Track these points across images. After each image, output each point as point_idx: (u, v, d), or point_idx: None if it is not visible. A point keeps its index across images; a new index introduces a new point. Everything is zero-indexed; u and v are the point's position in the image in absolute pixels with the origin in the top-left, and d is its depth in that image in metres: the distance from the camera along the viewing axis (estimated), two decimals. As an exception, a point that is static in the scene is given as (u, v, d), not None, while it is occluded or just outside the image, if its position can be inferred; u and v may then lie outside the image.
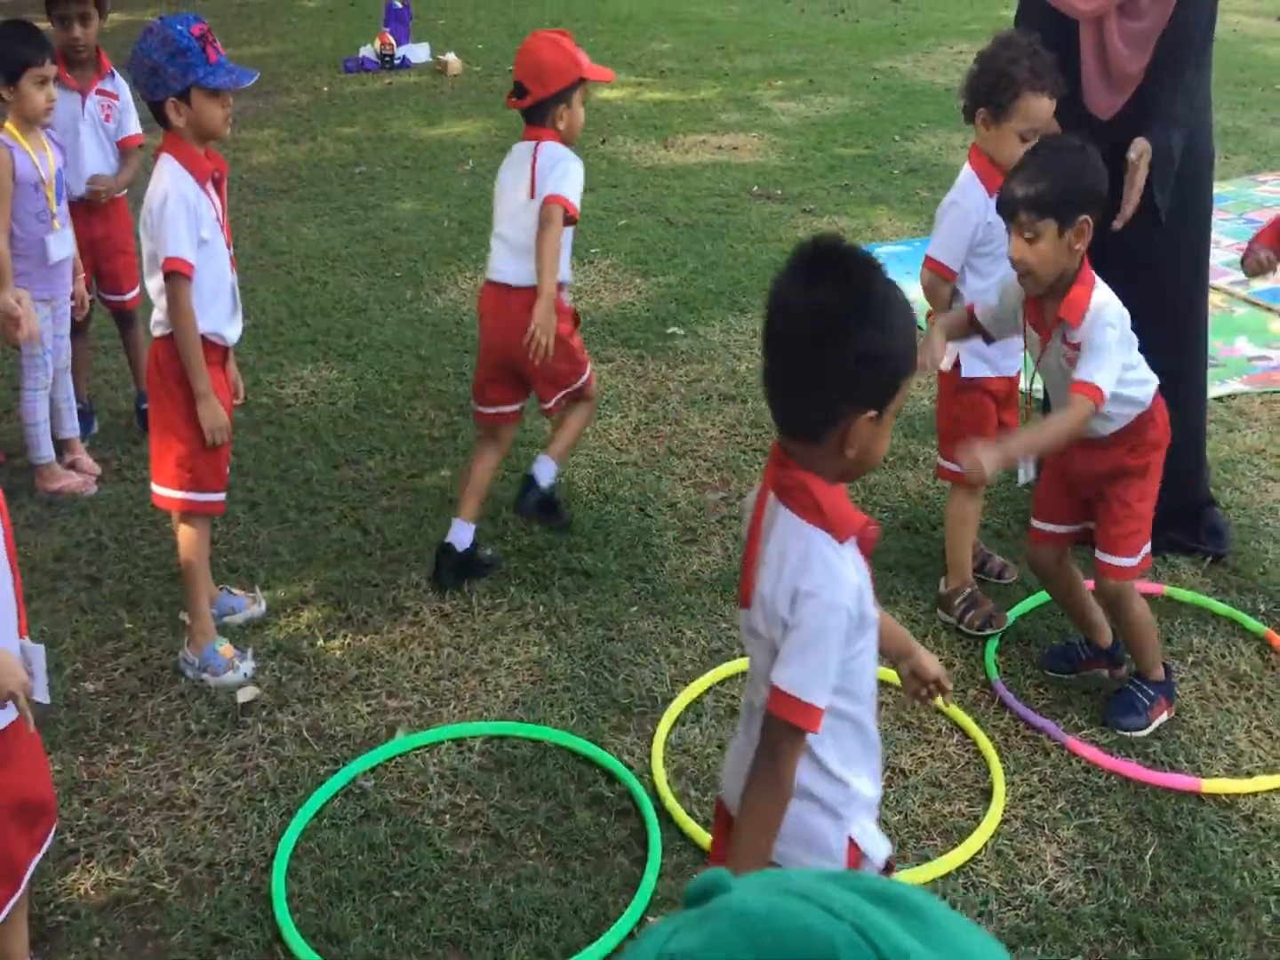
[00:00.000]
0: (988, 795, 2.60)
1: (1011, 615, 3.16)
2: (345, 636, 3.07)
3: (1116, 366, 2.56)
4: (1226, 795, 2.59)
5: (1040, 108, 2.91)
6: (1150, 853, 2.45)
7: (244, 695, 2.81)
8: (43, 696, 1.82)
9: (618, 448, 3.99)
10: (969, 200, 2.97)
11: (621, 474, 3.83)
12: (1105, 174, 2.58)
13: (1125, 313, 2.61)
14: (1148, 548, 2.76)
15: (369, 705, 2.81)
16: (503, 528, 3.55)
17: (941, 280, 3.03)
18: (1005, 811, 2.54)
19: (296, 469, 3.80)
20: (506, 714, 2.81)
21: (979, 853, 2.44)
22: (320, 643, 3.05)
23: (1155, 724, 2.78)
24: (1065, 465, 2.77)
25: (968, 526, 3.15)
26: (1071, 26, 3.16)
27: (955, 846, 2.45)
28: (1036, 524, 2.86)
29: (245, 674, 2.87)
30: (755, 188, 6.66)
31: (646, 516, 3.62)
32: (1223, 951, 2.23)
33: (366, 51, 9.37)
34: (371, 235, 5.90)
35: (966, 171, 3.03)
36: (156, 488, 2.87)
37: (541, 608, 3.19)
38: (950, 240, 2.99)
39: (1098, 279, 2.62)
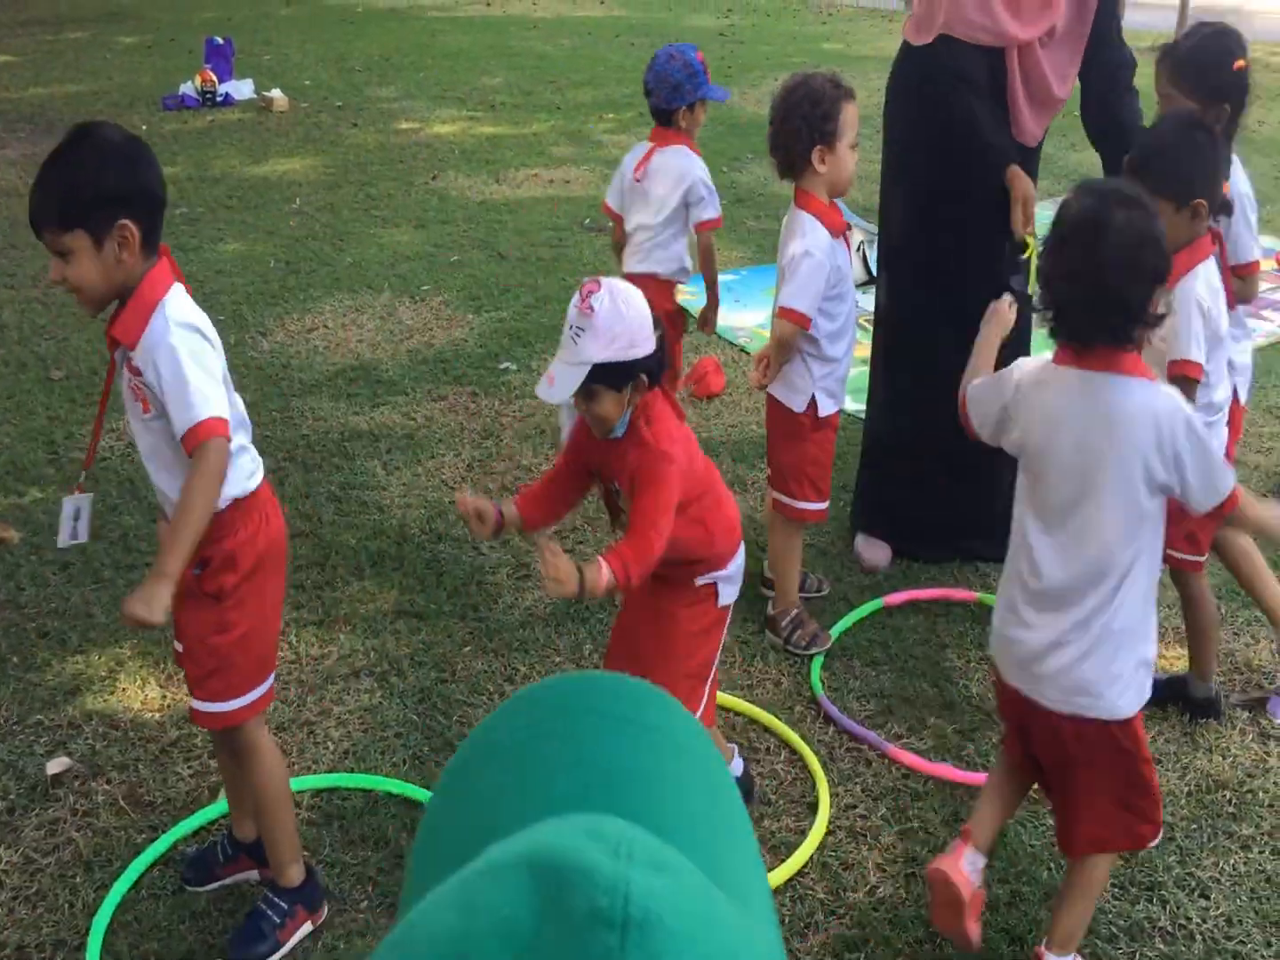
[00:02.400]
0: (814, 809, 2.68)
1: (834, 632, 3.26)
2: (165, 698, 2.98)
3: None
4: (1035, 792, 2.72)
5: (854, 112, 3.03)
6: (965, 852, 2.56)
7: (54, 767, 2.69)
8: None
9: (451, 486, 3.98)
10: (820, 248, 2.98)
11: (454, 512, 3.81)
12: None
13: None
14: None
15: (190, 768, 2.73)
16: (331, 573, 3.50)
17: (799, 330, 3.02)
18: (830, 823, 2.62)
19: (112, 525, 3.68)
20: (336, 765, 2.77)
21: (805, 866, 2.51)
22: (137, 706, 2.95)
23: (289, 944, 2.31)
24: None
25: (794, 555, 3.25)
26: (978, 67, 3.25)
27: (781, 861, 2.52)
28: None
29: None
30: (587, 221, 6.75)
31: (480, 554, 3.62)
32: (1032, 941, 2.35)
33: (187, 88, 9.14)
34: (192, 279, 5.72)
35: (805, 218, 3.00)
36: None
37: (373, 653, 3.15)
38: (807, 289, 2.97)
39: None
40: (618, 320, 2.11)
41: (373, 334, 5.20)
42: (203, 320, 2.08)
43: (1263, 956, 2.33)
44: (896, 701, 3.04)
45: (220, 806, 2.57)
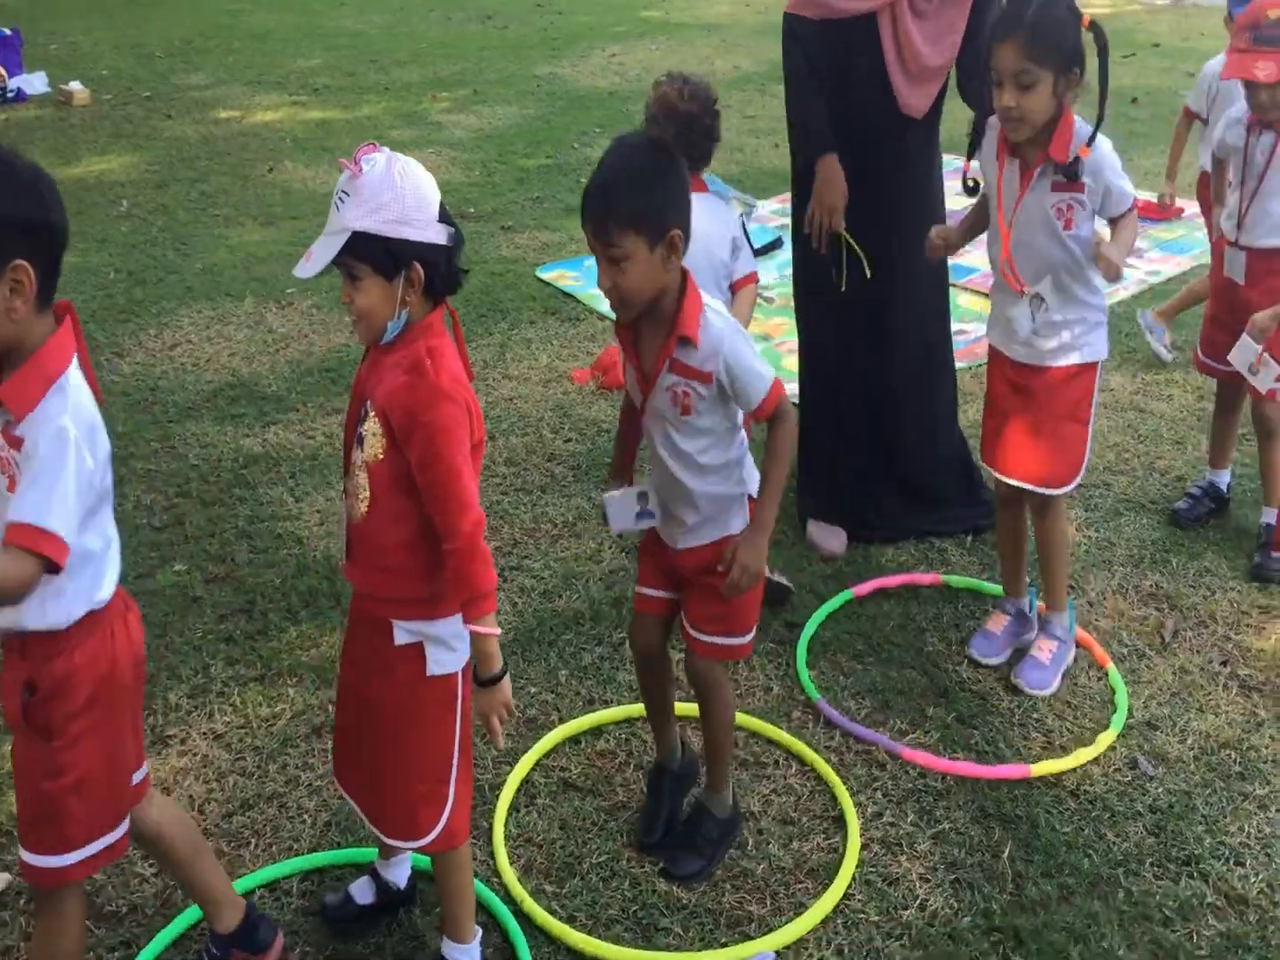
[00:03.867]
0: (839, 822, 2.55)
1: (809, 627, 3.15)
2: (104, 786, 2.61)
3: None
4: (1053, 775, 2.68)
5: None
6: (1003, 849, 2.48)
7: (-4, 886, 2.32)
8: None
9: (370, 509, 3.67)
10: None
11: (382, 538, 3.52)
12: None
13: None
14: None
15: (152, 866, 2.40)
16: (262, 620, 3.16)
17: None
18: (861, 836, 2.50)
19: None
20: (319, 841, 2.48)
21: (849, 888, 2.38)
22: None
23: None
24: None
25: None
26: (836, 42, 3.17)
27: (823, 885, 2.39)
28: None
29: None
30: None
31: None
32: (1095, 937, 2.29)
33: (-28, 85, 8.31)
34: (25, 297, 5.18)
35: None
36: None
37: (331, 705, 2.85)
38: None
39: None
40: (388, 187, 1.77)
41: (244, 346, 4.78)
42: (98, 422, 1.72)
43: (1312, 919, 2.34)
44: (891, 695, 2.94)
45: (194, 911, 2.26)
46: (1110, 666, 3.02)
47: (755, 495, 2.24)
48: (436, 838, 2.01)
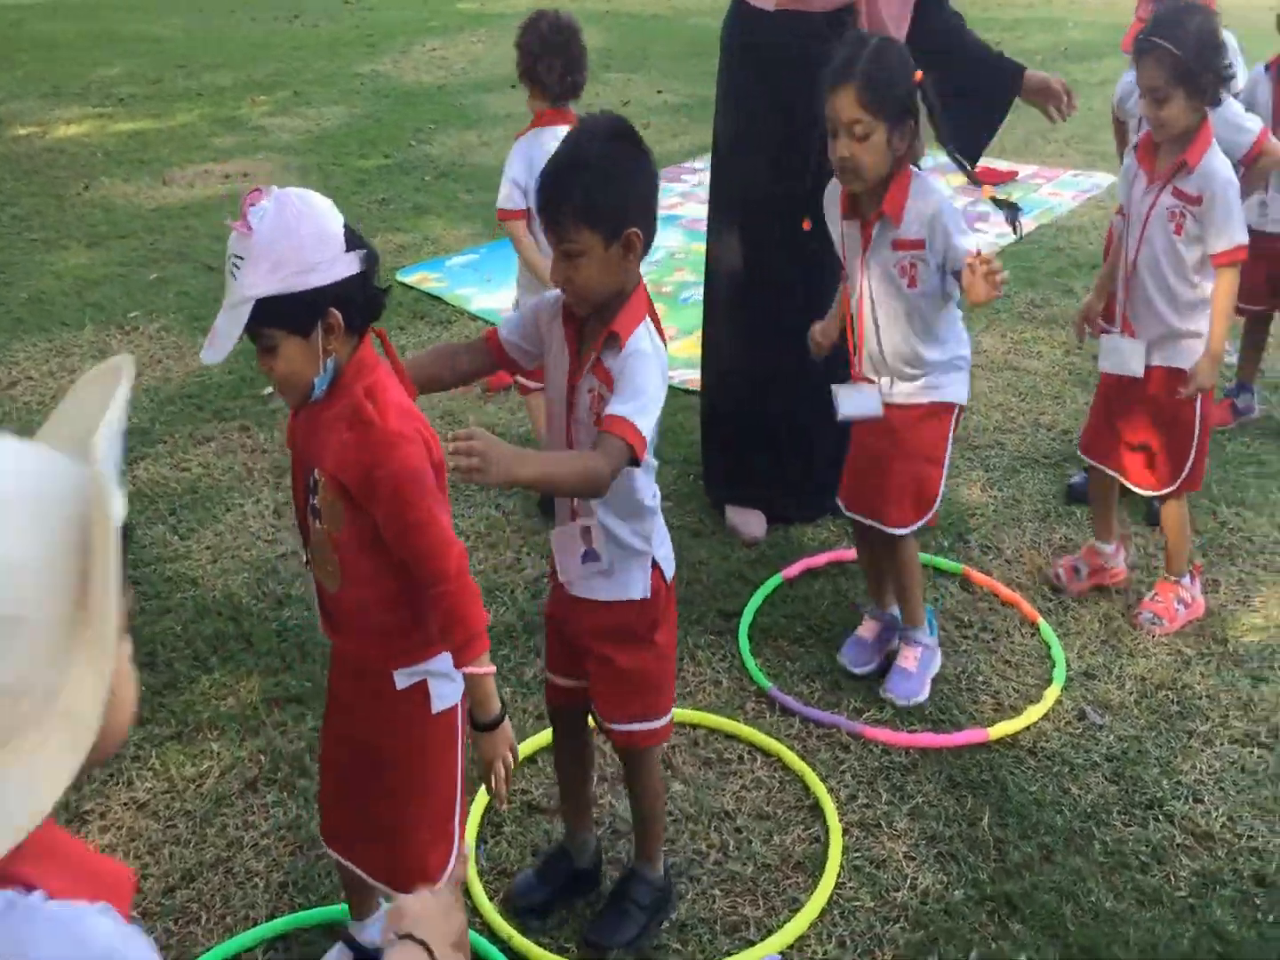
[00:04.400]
0: (815, 810, 2.51)
1: (745, 614, 3.10)
2: (23, 877, 2.36)
3: None
4: (1010, 736, 2.70)
5: None
6: (979, 816, 2.49)
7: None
8: None
9: (266, 540, 3.44)
10: None
11: (285, 569, 3.30)
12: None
13: None
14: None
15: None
16: (168, 671, 2.92)
17: None
18: (840, 822, 2.47)
19: None
20: (277, 904, 2.30)
21: (839, 876, 2.35)
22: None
23: None
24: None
25: None
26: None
27: (812, 878, 2.34)
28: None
29: None
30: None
31: (332, 611, 3.15)
32: (1082, 892, 2.31)
33: None
34: None
35: None
36: None
37: (262, 757, 2.65)
38: None
39: None
40: (284, 236, 1.57)
41: (92, 377, 4.43)
42: None
43: (1275, 847, 2.42)
44: (840, 675, 2.92)
45: None
46: (1040, 622, 3.08)
47: (662, 566, 2.04)
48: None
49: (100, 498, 0.84)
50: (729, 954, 2.19)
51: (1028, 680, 2.90)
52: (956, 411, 2.76)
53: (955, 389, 2.73)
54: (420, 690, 1.79)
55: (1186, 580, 3.10)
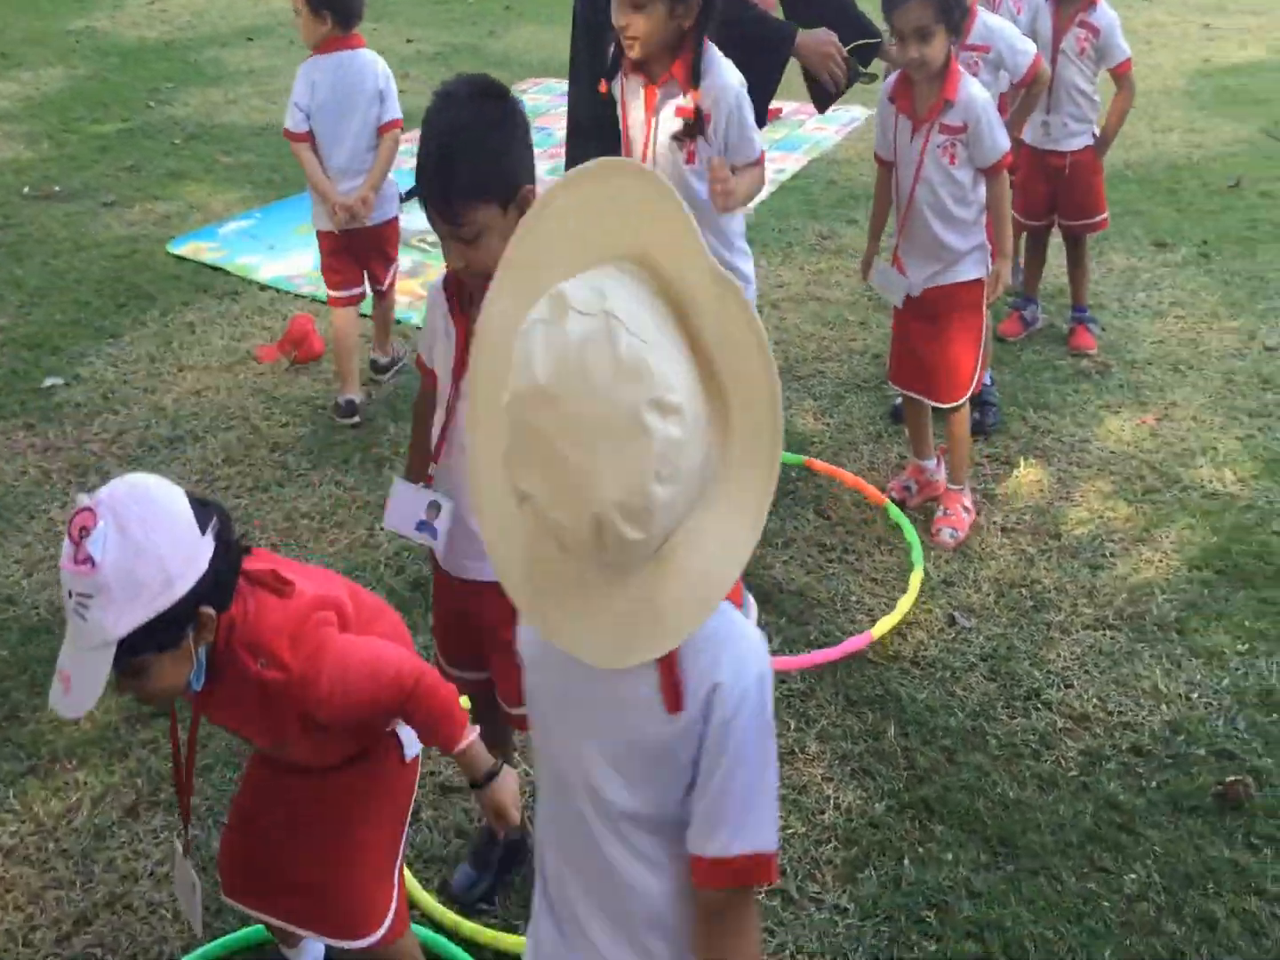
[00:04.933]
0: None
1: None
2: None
3: None
4: (884, 642, 2.80)
5: None
6: (882, 730, 2.58)
7: None
8: None
9: (85, 545, 3.13)
10: None
11: (114, 575, 3.02)
12: None
13: None
14: None
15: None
16: (4, 703, 2.63)
17: None
18: (754, 755, 2.50)
19: None
20: (191, 936, 2.12)
21: (766, 807, 2.38)
22: None
23: None
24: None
25: None
26: None
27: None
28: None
29: None
30: (26, 189, 5.55)
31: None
32: (988, 785, 2.44)
33: None
34: None
35: None
36: None
37: (139, 780, 2.43)
38: None
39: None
40: (137, 558, 1.36)
41: None
42: None
43: (1143, 719, 2.63)
44: (721, 613, 2.95)
45: None
46: (888, 503, 3.31)
47: None
48: (389, 929, 1.76)
49: None
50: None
51: (895, 594, 3.02)
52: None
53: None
54: (393, 739, 1.74)
55: (966, 487, 3.33)
